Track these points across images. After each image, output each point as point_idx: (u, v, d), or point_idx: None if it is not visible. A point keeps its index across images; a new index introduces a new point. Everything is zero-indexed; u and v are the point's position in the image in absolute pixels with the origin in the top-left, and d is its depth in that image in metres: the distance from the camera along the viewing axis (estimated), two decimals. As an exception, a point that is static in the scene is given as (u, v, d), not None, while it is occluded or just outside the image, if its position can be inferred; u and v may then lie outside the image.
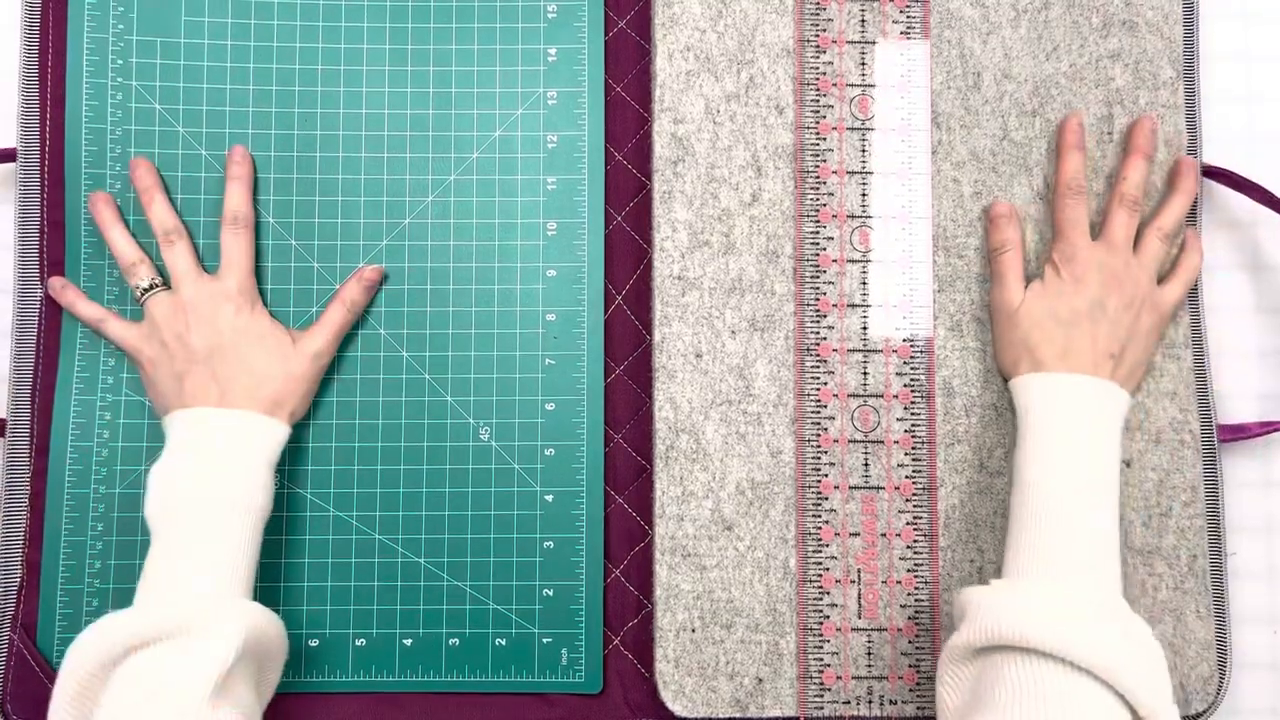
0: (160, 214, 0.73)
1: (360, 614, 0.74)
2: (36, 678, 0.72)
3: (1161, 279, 0.74)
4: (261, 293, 0.75)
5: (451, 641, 0.74)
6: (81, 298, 0.73)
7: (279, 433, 0.71)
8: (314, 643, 0.73)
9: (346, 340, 0.75)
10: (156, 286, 0.72)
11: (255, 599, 0.68)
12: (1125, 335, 0.71)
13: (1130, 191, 0.73)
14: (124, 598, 0.73)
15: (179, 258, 0.73)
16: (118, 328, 0.72)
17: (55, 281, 0.74)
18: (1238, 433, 0.76)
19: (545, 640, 0.74)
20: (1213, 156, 0.78)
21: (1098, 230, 0.74)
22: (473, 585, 0.74)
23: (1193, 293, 0.75)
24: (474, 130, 0.77)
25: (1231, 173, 0.76)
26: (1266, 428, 0.76)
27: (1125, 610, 0.64)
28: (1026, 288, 0.73)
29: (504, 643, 0.74)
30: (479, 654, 0.74)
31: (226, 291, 0.72)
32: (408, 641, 0.74)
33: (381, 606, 0.74)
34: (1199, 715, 0.73)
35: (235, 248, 0.73)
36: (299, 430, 0.74)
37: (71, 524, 0.73)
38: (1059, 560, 0.65)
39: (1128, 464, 0.74)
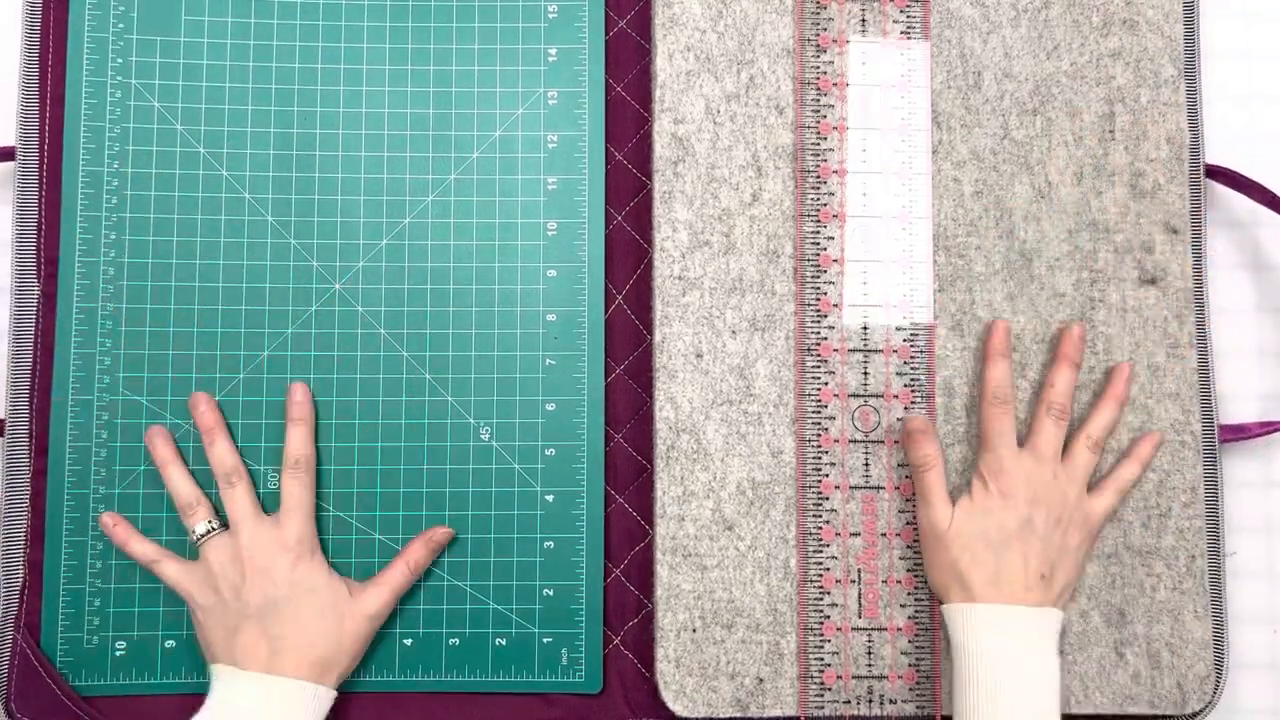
0: (221, 455, 0.72)
1: (361, 614, 0.74)
2: (40, 678, 0.72)
3: (1093, 487, 0.73)
4: (261, 292, 0.75)
5: (451, 641, 0.74)
6: (134, 536, 0.72)
7: (325, 700, 0.69)
8: (315, 643, 0.73)
9: (346, 341, 0.75)
10: (214, 531, 0.71)
11: None
12: (1055, 554, 0.69)
13: (1057, 400, 0.72)
14: (125, 598, 0.73)
15: (239, 501, 0.72)
16: (172, 570, 0.71)
17: (107, 519, 0.72)
18: (1238, 433, 0.76)
19: (545, 640, 0.74)
20: (1214, 156, 0.78)
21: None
22: (473, 585, 0.74)
23: (1198, 294, 0.75)
24: (474, 130, 0.76)
25: (1233, 172, 0.76)
26: (1267, 428, 0.76)
27: None
28: (955, 503, 0.71)
29: (504, 643, 0.74)
30: (479, 654, 0.74)
31: (285, 541, 0.71)
32: (408, 641, 0.74)
33: (382, 606, 0.74)
34: (1196, 715, 0.73)
35: (296, 492, 0.72)
36: (299, 431, 0.75)
37: (72, 524, 0.73)
38: None
39: (1128, 466, 0.74)
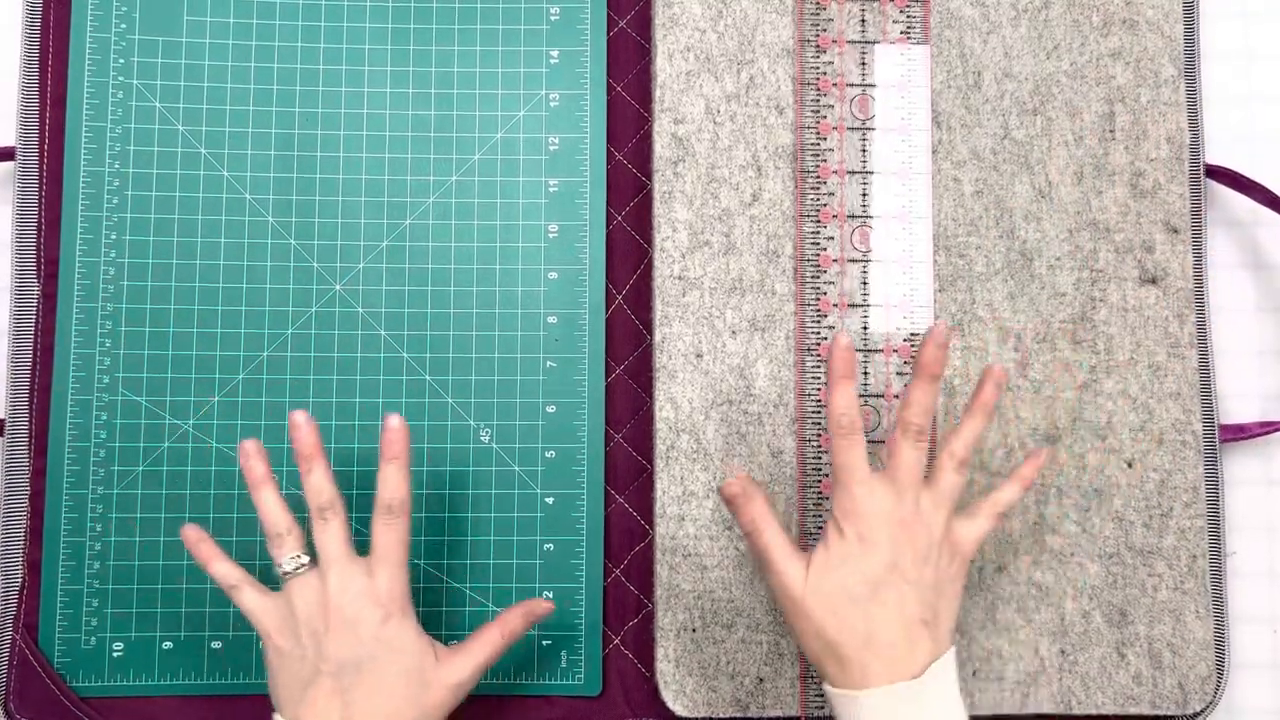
0: (319, 484, 0.65)
1: (360, 615, 0.74)
2: (39, 678, 0.72)
3: (966, 509, 0.65)
4: (261, 293, 0.75)
5: (451, 644, 0.73)
6: (217, 555, 0.66)
7: None
8: (314, 643, 0.73)
9: (346, 342, 0.75)
10: (303, 568, 0.64)
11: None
12: (932, 594, 0.61)
13: (914, 419, 0.63)
14: (123, 599, 0.73)
15: (331, 538, 0.65)
16: (252, 599, 0.65)
17: (191, 533, 0.66)
18: (1238, 433, 0.76)
19: (544, 643, 0.74)
20: (1214, 156, 0.78)
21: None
22: (472, 587, 0.74)
23: (1198, 294, 0.75)
24: (475, 132, 0.77)
25: (1233, 172, 0.76)
26: (1267, 428, 0.76)
27: None
28: (809, 560, 0.62)
29: (504, 643, 0.74)
30: (479, 654, 0.74)
31: (375, 593, 0.64)
32: (408, 642, 0.74)
33: (382, 607, 0.74)
34: (1197, 715, 0.73)
35: (388, 540, 0.65)
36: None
37: (70, 525, 0.73)
38: None
39: (1129, 464, 0.74)
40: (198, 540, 0.66)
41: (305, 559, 0.65)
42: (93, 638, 0.73)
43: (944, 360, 0.63)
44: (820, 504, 0.73)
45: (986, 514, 0.64)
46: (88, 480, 0.74)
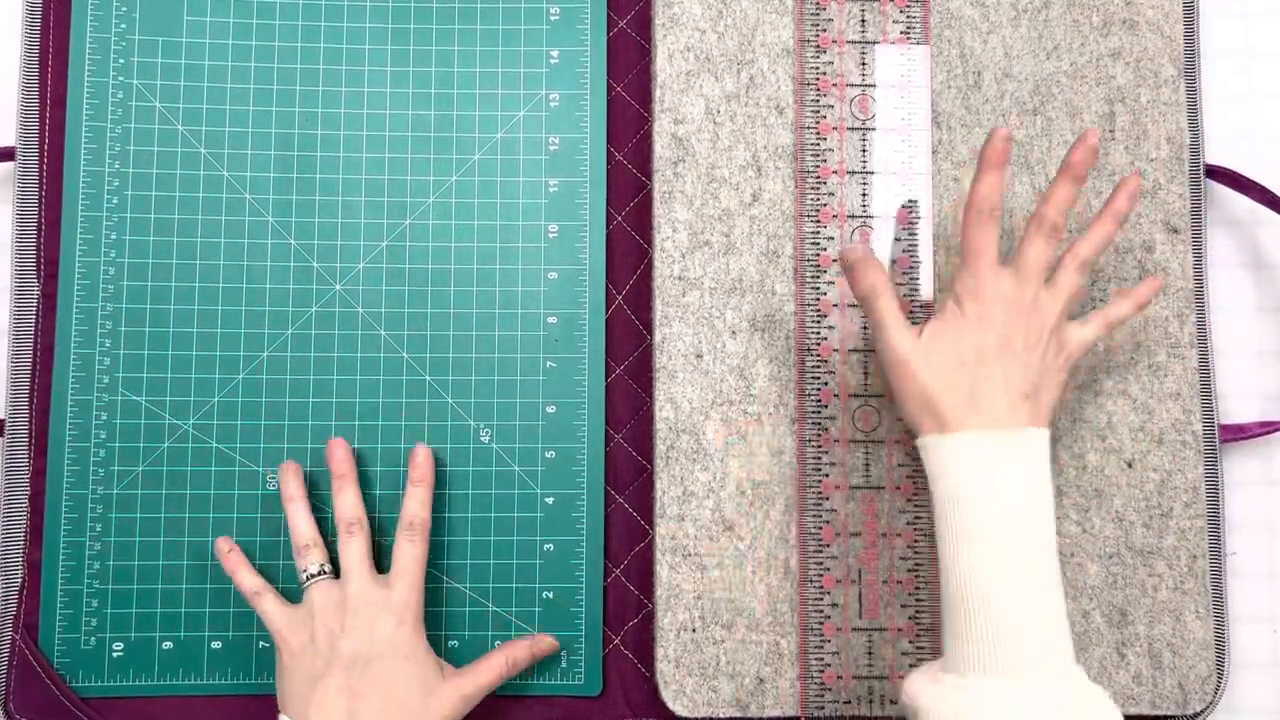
0: (348, 503, 0.71)
1: (360, 615, 0.74)
2: (38, 678, 0.72)
3: (1078, 317, 0.68)
4: (261, 293, 0.75)
5: (451, 644, 0.74)
6: (243, 565, 0.71)
7: None
8: (314, 643, 0.73)
9: (346, 342, 0.75)
10: (325, 574, 0.70)
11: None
12: (1037, 374, 0.63)
13: (1050, 214, 0.65)
14: (123, 599, 0.73)
15: (354, 553, 0.69)
16: (272, 606, 0.69)
17: (222, 544, 0.72)
18: (1238, 433, 0.76)
19: (546, 641, 0.74)
20: (1214, 155, 0.78)
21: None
22: (472, 587, 0.74)
23: (1198, 294, 0.75)
24: (475, 132, 0.77)
25: (1232, 172, 0.76)
26: (1267, 428, 0.76)
27: (1081, 688, 0.60)
28: (925, 324, 0.65)
29: (504, 643, 0.74)
30: (478, 656, 0.73)
31: (390, 602, 0.68)
32: (408, 642, 0.74)
33: (382, 607, 0.74)
34: (1197, 715, 0.73)
35: (408, 556, 0.70)
36: (297, 431, 0.74)
37: (70, 525, 0.73)
38: (1007, 655, 0.59)
39: (1129, 465, 0.74)
40: (228, 550, 0.72)
41: (328, 567, 0.70)
42: (92, 638, 0.73)
43: (1092, 165, 0.65)
44: (820, 504, 0.73)
45: (1098, 322, 0.67)
46: (88, 480, 0.74)
